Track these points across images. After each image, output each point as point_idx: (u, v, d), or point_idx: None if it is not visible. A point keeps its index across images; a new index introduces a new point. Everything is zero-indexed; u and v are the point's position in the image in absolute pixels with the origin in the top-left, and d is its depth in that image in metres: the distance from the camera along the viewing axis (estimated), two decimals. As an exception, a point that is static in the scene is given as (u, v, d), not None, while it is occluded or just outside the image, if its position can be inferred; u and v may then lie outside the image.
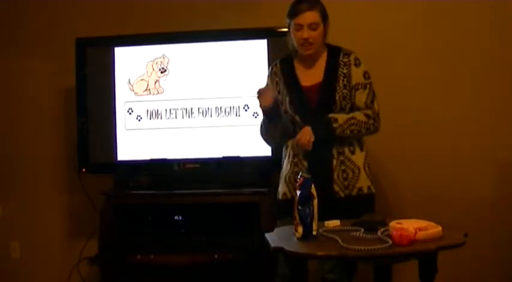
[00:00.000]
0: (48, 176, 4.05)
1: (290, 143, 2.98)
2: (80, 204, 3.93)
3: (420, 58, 3.74)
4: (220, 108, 3.61)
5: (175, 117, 3.64)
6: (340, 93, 2.91)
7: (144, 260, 3.45)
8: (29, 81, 4.04)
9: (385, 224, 2.44)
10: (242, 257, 3.39)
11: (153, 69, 3.66)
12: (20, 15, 4.03)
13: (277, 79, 3.00)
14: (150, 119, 3.66)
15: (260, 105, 2.93)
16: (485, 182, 3.70)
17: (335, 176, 2.89)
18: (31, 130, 4.05)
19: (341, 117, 2.87)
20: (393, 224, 2.35)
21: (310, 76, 2.95)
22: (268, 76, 3.07)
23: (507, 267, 3.63)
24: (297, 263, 2.34)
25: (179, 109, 3.64)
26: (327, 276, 2.97)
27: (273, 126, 2.96)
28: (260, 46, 3.59)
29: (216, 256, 3.40)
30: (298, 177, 2.50)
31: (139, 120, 3.67)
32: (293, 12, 2.89)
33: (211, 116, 3.62)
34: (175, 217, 3.56)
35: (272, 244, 2.39)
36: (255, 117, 3.57)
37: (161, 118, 3.65)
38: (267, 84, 3.04)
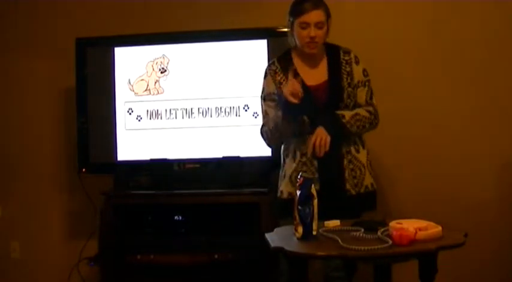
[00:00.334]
0: (48, 176, 4.05)
1: (294, 141, 2.97)
2: (80, 204, 3.93)
3: (421, 58, 3.74)
4: (220, 108, 3.61)
5: (175, 117, 3.64)
6: (346, 92, 2.93)
7: (144, 260, 3.45)
8: (29, 81, 4.04)
9: (385, 224, 2.44)
10: (242, 257, 3.38)
11: (153, 69, 3.66)
12: (20, 15, 4.04)
13: (279, 78, 2.98)
14: (150, 119, 3.66)
15: (289, 99, 2.80)
16: (485, 182, 3.70)
17: (346, 174, 2.92)
18: (31, 130, 4.05)
19: (347, 114, 2.90)
20: (393, 224, 2.35)
21: (314, 75, 2.95)
22: (267, 75, 3.03)
23: (507, 267, 3.63)
24: (297, 263, 2.34)
25: (179, 109, 3.64)
26: (331, 274, 2.98)
27: (286, 123, 2.90)
28: (260, 46, 3.59)
29: (216, 256, 3.40)
30: (298, 177, 2.50)
31: (139, 120, 3.67)
32: (298, 11, 2.87)
33: (211, 116, 3.62)
34: (175, 217, 3.56)
35: (272, 244, 2.39)
36: (255, 117, 3.57)
37: (161, 118, 3.65)
38: (265, 84, 3.03)
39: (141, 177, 3.70)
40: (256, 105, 3.53)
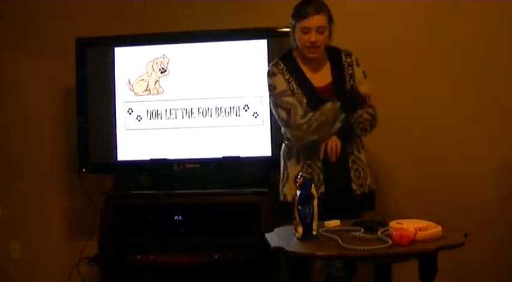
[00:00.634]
0: (48, 176, 4.04)
1: (297, 144, 2.97)
2: (80, 204, 3.93)
3: (421, 58, 3.74)
4: (220, 108, 3.61)
5: (175, 117, 3.64)
6: (349, 94, 2.93)
7: (144, 260, 3.45)
8: (29, 81, 4.04)
9: (385, 224, 2.44)
10: (242, 257, 3.38)
11: (153, 69, 3.66)
12: (20, 15, 4.03)
13: (287, 77, 2.97)
14: (150, 119, 3.66)
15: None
16: (485, 182, 3.70)
17: (352, 174, 2.95)
18: (31, 130, 4.05)
19: (351, 116, 2.92)
20: (393, 224, 2.36)
21: (318, 77, 2.96)
22: (276, 74, 2.97)
23: (507, 267, 3.63)
24: (297, 263, 2.34)
25: (179, 109, 3.64)
26: (336, 274, 2.98)
27: (338, 125, 2.90)
28: (260, 46, 3.59)
29: (216, 256, 3.40)
30: (298, 177, 2.50)
31: (139, 120, 3.67)
32: (300, 15, 2.87)
33: (211, 116, 3.62)
34: (175, 217, 3.55)
35: (272, 244, 2.39)
36: (255, 117, 3.57)
37: (161, 118, 3.65)
38: (276, 82, 2.98)
39: (141, 177, 3.70)
40: (256, 105, 3.54)
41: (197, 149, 3.62)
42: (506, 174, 3.70)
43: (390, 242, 2.24)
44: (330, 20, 2.91)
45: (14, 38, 4.04)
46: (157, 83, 3.66)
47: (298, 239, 2.40)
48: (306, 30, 2.86)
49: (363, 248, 2.21)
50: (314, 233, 2.40)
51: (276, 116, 3.01)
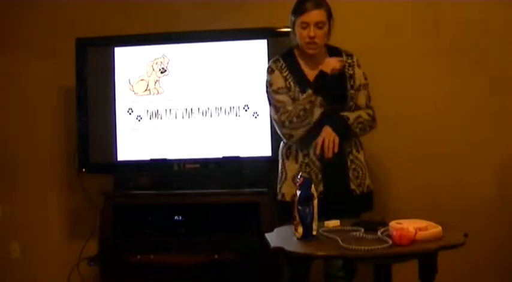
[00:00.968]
0: (48, 176, 4.05)
1: (296, 143, 2.97)
2: (80, 204, 3.93)
3: (420, 58, 3.74)
4: (220, 108, 3.61)
5: (175, 117, 3.64)
6: (349, 94, 2.94)
7: (144, 260, 3.45)
8: (29, 81, 4.04)
9: (385, 224, 2.44)
10: (242, 257, 3.38)
11: (153, 69, 3.66)
12: (20, 15, 4.03)
13: (285, 74, 2.98)
14: (150, 119, 3.66)
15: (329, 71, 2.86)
16: (485, 181, 3.70)
17: (350, 174, 2.94)
18: (31, 130, 4.05)
19: (351, 116, 2.93)
20: (393, 224, 2.35)
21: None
22: (274, 71, 2.98)
23: (507, 267, 3.63)
24: (297, 263, 2.34)
25: (179, 109, 3.64)
26: (337, 273, 2.97)
27: (319, 103, 2.86)
28: (260, 46, 3.59)
29: (216, 256, 3.40)
30: (298, 177, 2.50)
31: (139, 120, 3.67)
32: (300, 10, 2.88)
33: (211, 116, 3.62)
34: (176, 217, 3.56)
35: (272, 244, 2.39)
36: (255, 117, 3.57)
37: (161, 118, 3.65)
38: (273, 79, 3.00)
39: (141, 177, 3.70)
40: (256, 105, 3.54)
41: (197, 149, 3.62)
42: (506, 174, 3.70)
43: (390, 242, 2.24)
44: (330, 15, 2.91)
45: (14, 38, 4.04)
46: (157, 83, 3.66)
47: (298, 239, 2.40)
48: (305, 25, 2.87)
49: (363, 248, 2.21)
50: (314, 233, 2.40)
51: (270, 114, 3.04)
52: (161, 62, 3.66)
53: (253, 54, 3.59)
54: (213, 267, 3.40)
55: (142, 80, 3.67)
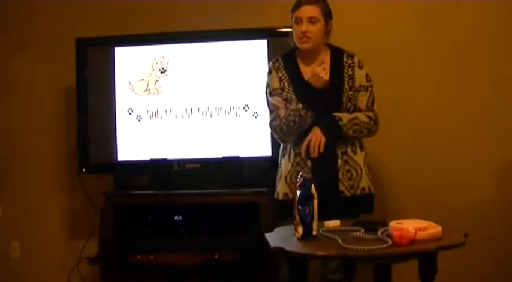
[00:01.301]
0: (48, 176, 4.04)
1: (291, 142, 2.98)
2: (80, 204, 3.93)
3: (420, 58, 3.74)
4: (220, 108, 3.61)
5: (175, 117, 3.64)
6: (346, 95, 2.94)
7: (144, 260, 3.45)
8: (29, 81, 4.04)
9: (385, 224, 2.44)
10: (242, 257, 3.38)
11: (153, 69, 3.66)
12: (20, 15, 4.03)
13: (280, 74, 2.99)
14: (150, 119, 3.66)
15: (318, 82, 2.85)
16: (485, 181, 3.70)
17: (340, 175, 2.91)
18: (31, 130, 4.05)
19: (345, 117, 2.90)
20: (393, 224, 2.36)
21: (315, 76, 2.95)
22: (271, 71, 3.03)
23: (507, 267, 3.63)
24: (297, 263, 2.34)
25: (179, 109, 3.64)
26: (329, 276, 2.97)
27: (310, 115, 2.89)
28: (260, 46, 3.59)
29: (216, 256, 3.40)
30: (298, 177, 2.50)
31: (139, 120, 3.67)
32: (294, 6, 2.93)
33: (211, 116, 3.62)
34: (176, 217, 3.56)
35: (272, 244, 2.39)
36: (255, 117, 3.57)
37: (161, 118, 3.65)
38: (270, 79, 3.03)
39: (141, 177, 3.70)
40: (256, 105, 3.54)
41: (197, 149, 3.62)
42: (506, 174, 3.70)
43: (390, 242, 2.24)
44: (326, 14, 2.91)
45: (14, 38, 4.04)
46: (157, 83, 3.66)
47: (298, 239, 2.40)
48: (299, 21, 2.89)
49: (362, 248, 2.21)
50: (314, 233, 2.40)
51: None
52: (161, 62, 3.66)
53: (253, 54, 3.59)
54: (213, 267, 3.40)
55: (142, 80, 3.67)
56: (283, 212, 2.90)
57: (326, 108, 2.90)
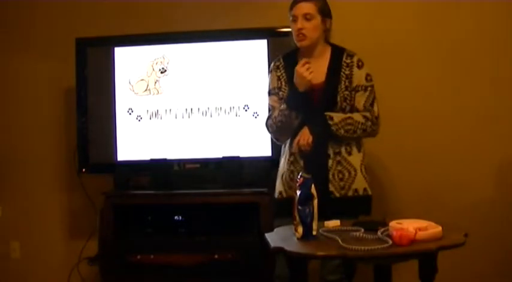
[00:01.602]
0: (48, 176, 4.05)
1: (288, 141, 2.98)
2: (80, 204, 3.94)
3: (420, 58, 3.74)
4: (220, 108, 3.61)
5: (175, 117, 3.64)
6: (342, 95, 2.91)
7: (144, 260, 3.45)
8: (29, 81, 4.04)
9: (385, 224, 2.44)
10: (242, 257, 3.38)
11: (153, 69, 3.66)
12: (20, 15, 4.03)
13: (279, 74, 3.00)
14: (150, 119, 3.66)
15: (302, 82, 2.84)
16: (485, 181, 3.70)
17: (330, 175, 2.89)
18: (31, 130, 4.05)
19: (337, 116, 2.87)
20: (393, 224, 2.35)
21: (313, 74, 2.94)
22: (272, 71, 3.04)
23: (507, 267, 3.63)
24: (297, 263, 2.34)
25: (179, 109, 3.64)
26: (328, 277, 2.97)
27: (295, 116, 2.88)
28: (260, 46, 3.59)
29: (216, 256, 3.40)
30: (298, 177, 2.50)
31: (139, 120, 3.67)
32: (291, 4, 2.93)
33: (211, 116, 3.62)
34: (176, 217, 3.56)
35: (272, 244, 2.39)
36: (255, 117, 3.57)
37: (161, 118, 3.65)
38: (270, 79, 3.04)
39: (141, 177, 3.70)
40: (256, 105, 3.55)
41: (197, 149, 3.62)
42: (506, 174, 3.70)
43: (390, 242, 2.24)
44: (322, 11, 2.90)
45: (14, 38, 4.04)
46: (157, 83, 3.66)
47: (298, 239, 2.40)
48: (295, 19, 2.89)
49: (362, 248, 2.20)
50: (314, 233, 2.40)
51: None
52: (161, 62, 3.66)
53: (253, 54, 3.59)
54: (213, 267, 3.40)
55: (142, 80, 3.67)
56: (280, 210, 2.93)
57: (316, 108, 2.88)
